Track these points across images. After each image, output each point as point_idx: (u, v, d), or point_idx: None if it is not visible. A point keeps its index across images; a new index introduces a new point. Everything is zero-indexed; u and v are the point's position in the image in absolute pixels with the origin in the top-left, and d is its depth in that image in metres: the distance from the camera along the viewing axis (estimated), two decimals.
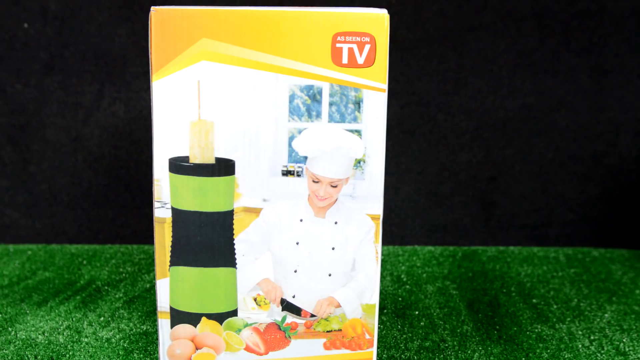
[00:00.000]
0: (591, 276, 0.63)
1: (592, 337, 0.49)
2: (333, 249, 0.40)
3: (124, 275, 0.62)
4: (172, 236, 0.38)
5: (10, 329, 0.49)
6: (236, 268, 0.39)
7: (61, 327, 0.49)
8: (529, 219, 0.72)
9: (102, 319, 0.51)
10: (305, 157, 0.38)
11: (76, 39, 0.67)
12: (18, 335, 0.48)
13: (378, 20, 0.36)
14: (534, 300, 0.56)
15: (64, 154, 0.70)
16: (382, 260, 0.67)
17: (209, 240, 0.38)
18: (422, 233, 0.72)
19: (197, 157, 0.36)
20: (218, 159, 0.37)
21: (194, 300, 0.39)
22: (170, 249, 0.38)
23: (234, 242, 0.39)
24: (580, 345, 0.47)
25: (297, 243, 0.39)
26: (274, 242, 0.39)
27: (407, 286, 0.59)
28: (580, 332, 0.50)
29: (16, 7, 0.66)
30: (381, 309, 0.54)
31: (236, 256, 0.39)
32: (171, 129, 0.35)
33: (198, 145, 0.36)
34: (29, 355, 0.45)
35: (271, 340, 0.40)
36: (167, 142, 0.36)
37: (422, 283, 0.60)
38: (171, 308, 0.39)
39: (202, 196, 0.37)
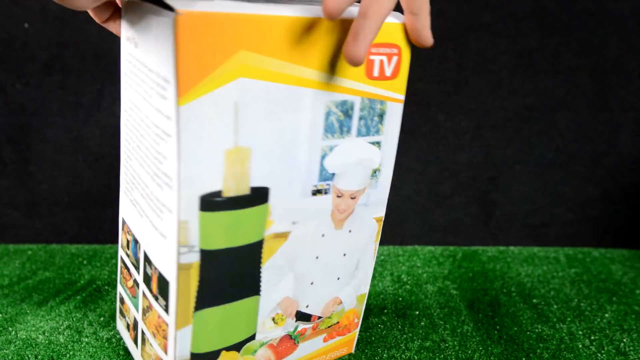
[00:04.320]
0: (591, 276, 0.63)
1: (592, 337, 0.49)
2: (344, 255, 0.40)
3: None
4: (200, 280, 0.33)
5: (10, 328, 0.49)
6: (260, 295, 0.37)
7: (61, 327, 0.49)
8: (529, 218, 0.72)
9: (102, 318, 0.51)
10: (333, 174, 0.36)
11: (76, 39, 0.67)
12: (18, 335, 0.48)
13: (403, 30, 0.34)
14: (535, 300, 0.56)
15: (64, 153, 0.70)
16: (382, 260, 0.67)
17: (237, 275, 0.35)
18: (422, 233, 0.72)
19: (232, 190, 0.31)
20: (253, 188, 0.32)
21: (216, 338, 0.36)
22: (195, 294, 0.33)
23: (261, 270, 0.36)
24: (580, 345, 0.47)
25: (317, 257, 0.39)
26: (298, 260, 0.38)
27: (408, 286, 0.59)
28: (580, 332, 0.50)
29: (16, 7, 0.66)
30: (381, 308, 0.54)
31: (261, 284, 0.36)
32: (202, 162, 0.29)
33: (233, 177, 0.31)
34: (30, 355, 0.45)
35: (282, 350, 0.40)
36: (197, 177, 0.30)
37: (423, 283, 0.60)
38: (192, 354, 0.35)
39: (234, 231, 0.33)
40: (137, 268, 0.37)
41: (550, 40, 0.68)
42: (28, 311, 0.52)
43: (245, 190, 0.32)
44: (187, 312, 0.33)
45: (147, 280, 0.35)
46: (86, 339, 0.47)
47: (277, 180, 0.33)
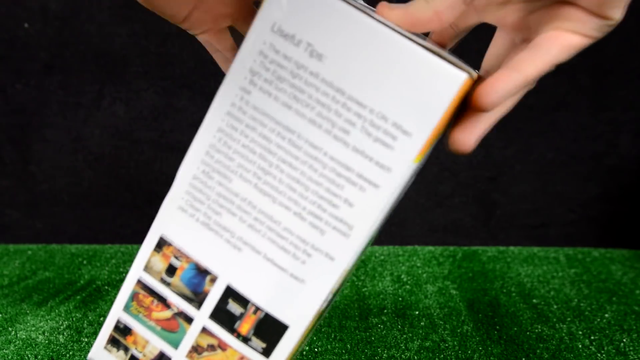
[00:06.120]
0: (591, 276, 0.63)
1: (592, 337, 0.49)
2: None
3: (124, 275, 0.62)
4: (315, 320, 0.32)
5: (10, 328, 0.49)
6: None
7: (61, 327, 0.49)
8: (529, 219, 0.72)
9: (102, 318, 0.51)
10: None
11: (76, 39, 0.67)
12: (18, 335, 0.48)
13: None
14: (534, 301, 0.56)
15: (64, 153, 0.70)
16: (382, 260, 0.67)
17: (328, 307, 0.34)
18: (422, 233, 0.72)
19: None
20: None
21: None
22: (307, 335, 0.32)
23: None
24: (580, 345, 0.47)
25: None
26: None
27: (407, 286, 0.59)
28: (580, 332, 0.50)
29: (16, 7, 0.66)
30: (381, 309, 0.54)
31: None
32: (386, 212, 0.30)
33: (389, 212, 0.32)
34: (29, 355, 0.45)
35: None
36: (377, 226, 0.29)
37: (423, 283, 0.60)
38: None
39: (354, 268, 0.33)
40: (193, 301, 0.32)
41: None
42: (28, 311, 0.52)
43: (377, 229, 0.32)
44: (292, 354, 0.31)
45: (228, 318, 0.31)
46: (86, 339, 0.47)
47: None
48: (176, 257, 0.32)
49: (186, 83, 0.67)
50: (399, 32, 0.25)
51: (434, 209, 0.72)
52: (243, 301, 0.31)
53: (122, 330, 0.34)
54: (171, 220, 0.32)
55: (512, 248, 0.72)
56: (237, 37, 0.33)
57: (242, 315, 0.31)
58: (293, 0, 0.26)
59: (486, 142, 0.70)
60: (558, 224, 0.72)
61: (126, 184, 0.71)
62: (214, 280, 0.31)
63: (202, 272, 0.31)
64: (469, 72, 0.24)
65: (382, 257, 0.68)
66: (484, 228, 0.72)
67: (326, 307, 0.33)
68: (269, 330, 0.30)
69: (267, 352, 0.31)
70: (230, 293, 0.31)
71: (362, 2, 0.26)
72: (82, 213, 0.72)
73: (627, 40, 0.67)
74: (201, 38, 0.34)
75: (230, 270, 0.31)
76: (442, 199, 0.71)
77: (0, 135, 0.70)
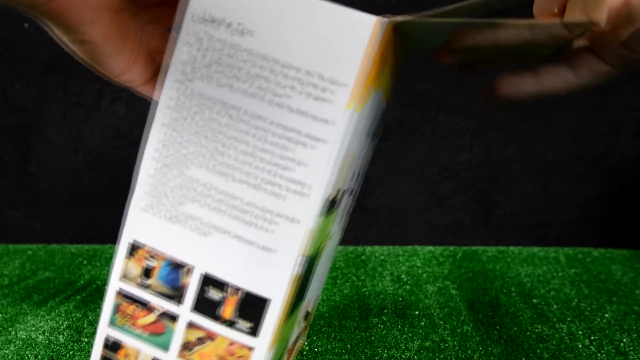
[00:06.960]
0: (591, 276, 0.63)
1: (592, 337, 0.49)
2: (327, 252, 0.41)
3: None
4: (296, 292, 0.32)
5: (10, 328, 0.49)
6: (304, 300, 0.36)
7: (61, 327, 0.49)
8: (529, 219, 0.72)
9: None
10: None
11: None
12: (18, 335, 0.48)
13: None
14: (534, 301, 0.56)
15: (64, 153, 0.70)
16: (382, 260, 0.67)
17: (305, 281, 0.34)
18: (422, 233, 0.72)
19: (333, 194, 0.31)
20: (338, 190, 0.33)
21: (278, 353, 0.34)
22: (290, 308, 0.32)
23: (314, 274, 0.36)
24: (580, 345, 0.47)
25: (324, 255, 0.39)
26: (322, 259, 0.39)
27: (407, 286, 0.59)
28: (580, 332, 0.50)
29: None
30: (381, 309, 0.54)
31: (308, 288, 0.36)
32: (337, 168, 0.30)
33: (339, 180, 0.31)
34: (29, 355, 0.45)
35: (289, 351, 0.40)
36: (331, 183, 0.30)
37: (423, 283, 0.60)
38: None
39: (321, 235, 0.32)
40: (173, 297, 0.32)
41: None
42: (28, 311, 0.52)
43: (336, 193, 0.31)
44: (279, 329, 0.31)
45: (210, 306, 0.31)
46: (86, 339, 0.47)
47: (347, 183, 0.33)
48: (149, 258, 0.32)
49: None
50: None
51: (434, 209, 0.72)
52: (220, 285, 0.31)
53: (112, 346, 0.34)
54: (138, 223, 0.32)
55: (512, 248, 0.72)
56: None
57: (222, 299, 0.31)
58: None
59: (486, 142, 0.70)
60: (558, 224, 0.72)
61: (126, 184, 0.71)
62: (189, 271, 0.31)
63: (177, 267, 0.32)
64: (384, 16, 0.26)
65: (382, 257, 0.68)
66: (484, 228, 0.72)
67: (308, 279, 0.33)
68: (251, 308, 0.30)
69: (253, 330, 0.31)
70: (207, 280, 0.31)
71: None
72: (82, 213, 0.72)
73: None
74: (147, 88, 0.33)
75: (202, 257, 0.31)
76: (442, 199, 0.71)
77: (0, 135, 0.70)
